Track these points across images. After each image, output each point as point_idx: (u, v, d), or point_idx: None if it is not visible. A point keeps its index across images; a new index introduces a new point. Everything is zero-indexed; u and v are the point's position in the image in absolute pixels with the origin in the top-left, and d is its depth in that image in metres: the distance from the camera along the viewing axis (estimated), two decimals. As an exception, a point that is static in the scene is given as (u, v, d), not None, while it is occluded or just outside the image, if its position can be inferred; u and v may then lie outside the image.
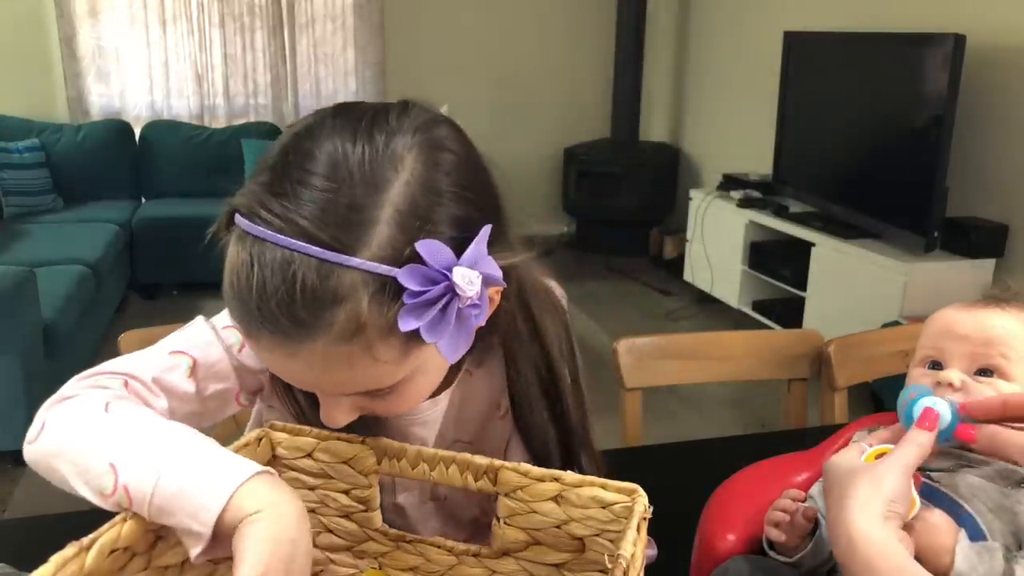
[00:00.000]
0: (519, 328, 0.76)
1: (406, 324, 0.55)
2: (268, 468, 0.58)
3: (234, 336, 0.73)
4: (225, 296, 0.58)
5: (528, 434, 0.79)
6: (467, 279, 0.56)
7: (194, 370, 0.71)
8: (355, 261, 0.54)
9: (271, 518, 0.54)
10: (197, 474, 0.56)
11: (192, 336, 0.73)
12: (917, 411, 0.66)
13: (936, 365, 0.78)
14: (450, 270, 0.55)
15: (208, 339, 0.73)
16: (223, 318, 0.74)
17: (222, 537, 0.55)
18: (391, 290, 0.55)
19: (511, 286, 0.67)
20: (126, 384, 0.68)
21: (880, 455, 0.64)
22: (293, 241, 0.54)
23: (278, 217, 0.54)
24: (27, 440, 0.65)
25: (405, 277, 0.54)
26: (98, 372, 0.69)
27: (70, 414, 0.64)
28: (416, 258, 0.55)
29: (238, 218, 0.57)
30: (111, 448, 0.59)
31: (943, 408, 0.66)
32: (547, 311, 0.78)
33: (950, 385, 0.74)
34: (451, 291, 0.55)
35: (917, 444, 0.63)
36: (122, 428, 0.62)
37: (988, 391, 0.73)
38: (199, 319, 0.75)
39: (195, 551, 0.55)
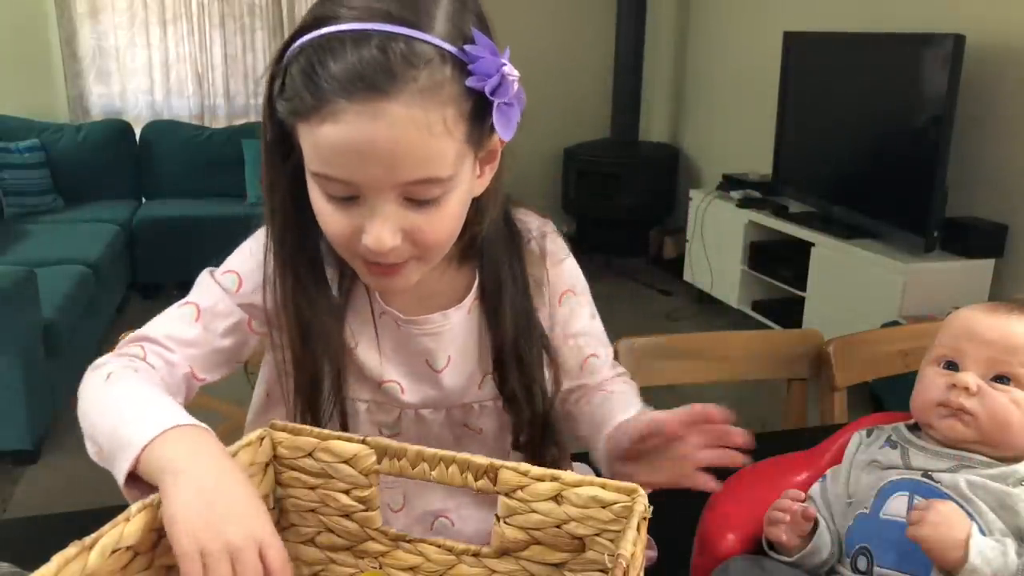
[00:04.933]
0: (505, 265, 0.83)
1: (475, 84, 0.65)
2: (198, 424, 0.63)
3: (230, 280, 0.80)
4: (297, 95, 0.65)
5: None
6: (511, 69, 0.66)
7: (199, 315, 0.78)
8: (428, 36, 0.64)
9: (185, 476, 0.58)
10: (132, 419, 0.63)
11: (196, 287, 0.81)
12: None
13: (951, 366, 0.77)
14: (497, 56, 0.66)
15: (208, 285, 0.80)
16: (224, 266, 0.82)
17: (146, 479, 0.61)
18: (457, 64, 0.65)
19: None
20: (143, 348, 0.76)
21: None
22: (374, 24, 0.63)
23: (355, 9, 0.64)
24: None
25: (471, 53, 0.65)
26: (130, 340, 0.78)
27: (88, 385, 0.74)
28: (472, 43, 0.65)
29: (306, 37, 0.65)
30: (97, 412, 0.69)
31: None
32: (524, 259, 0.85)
33: (965, 388, 0.73)
34: (503, 73, 0.66)
35: None
36: (109, 397, 0.70)
37: (1003, 398, 0.72)
38: (203, 272, 0.82)
39: (121, 486, 0.62)
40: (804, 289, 3.41)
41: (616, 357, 1.23)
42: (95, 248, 3.50)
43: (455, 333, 0.84)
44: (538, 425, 0.85)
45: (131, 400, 0.67)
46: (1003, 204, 2.94)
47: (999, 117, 2.92)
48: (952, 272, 2.94)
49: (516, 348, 0.83)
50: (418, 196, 0.68)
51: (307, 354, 0.78)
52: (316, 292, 0.78)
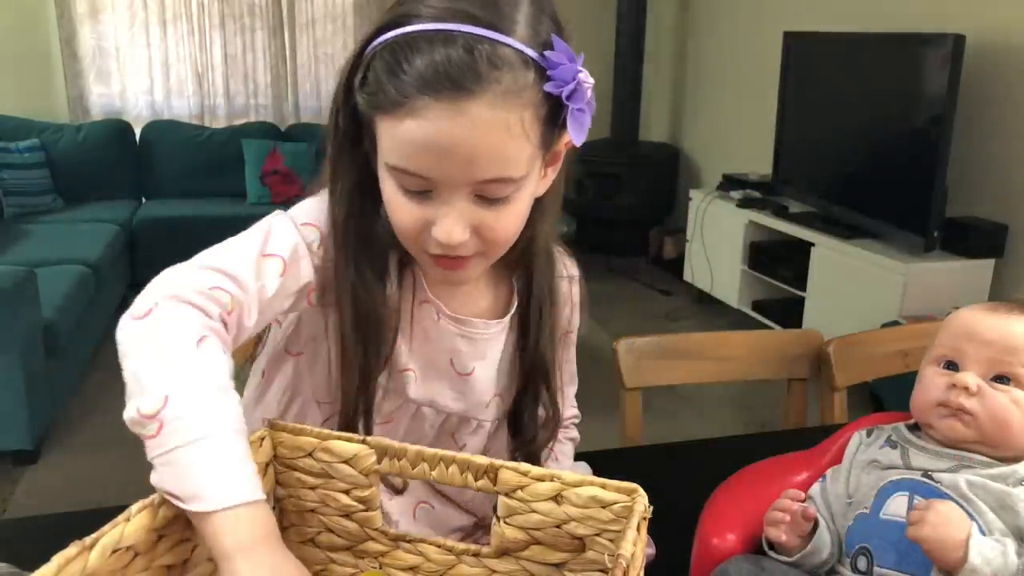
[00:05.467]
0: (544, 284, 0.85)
1: (553, 89, 0.67)
2: (261, 499, 0.59)
3: (313, 233, 0.76)
4: (380, 89, 0.66)
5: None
6: (586, 76, 0.69)
7: (284, 271, 0.74)
8: (511, 40, 0.66)
9: (242, 562, 0.56)
10: (210, 467, 0.58)
11: (279, 235, 0.75)
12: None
13: (951, 365, 0.77)
14: (575, 62, 0.68)
15: (289, 233, 0.75)
16: (301, 213, 0.77)
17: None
18: (537, 69, 0.67)
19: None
20: (231, 297, 0.69)
21: None
22: (459, 25, 0.65)
23: (438, 8, 0.65)
24: (131, 314, 0.66)
25: (551, 60, 0.67)
26: (220, 270, 0.69)
27: (167, 329, 0.64)
28: (551, 48, 0.67)
29: (390, 33, 0.66)
30: (177, 386, 0.61)
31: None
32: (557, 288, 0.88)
33: (965, 388, 0.73)
34: (579, 80, 0.68)
35: None
36: (198, 374, 0.62)
37: (1003, 398, 0.72)
38: (280, 215, 0.77)
39: (161, 491, 0.58)
40: (804, 289, 3.41)
41: (616, 357, 1.24)
42: (95, 248, 3.49)
43: (489, 345, 0.86)
44: (531, 452, 0.88)
45: (215, 427, 0.60)
46: (1003, 204, 2.94)
47: (999, 117, 2.92)
48: (952, 272, 2.94)
49: (545, 365, 0.86)
50: (490, 194, 0.70)
51: (358, 340, 0.77)
52: (374, 281, 0.78)
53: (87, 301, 3.11)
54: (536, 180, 0.74)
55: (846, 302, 3.17)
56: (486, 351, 0.86)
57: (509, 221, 0.73)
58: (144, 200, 4.47)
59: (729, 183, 4.07)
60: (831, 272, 3.26)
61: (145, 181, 4.45)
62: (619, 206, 4.78)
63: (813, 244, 3.35)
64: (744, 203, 3.85)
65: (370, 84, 0.68)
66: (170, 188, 4.42)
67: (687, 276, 4.32)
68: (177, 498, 0.57)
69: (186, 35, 4.57)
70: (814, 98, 3.59)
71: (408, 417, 0.86)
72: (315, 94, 4.92)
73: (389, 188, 0.72)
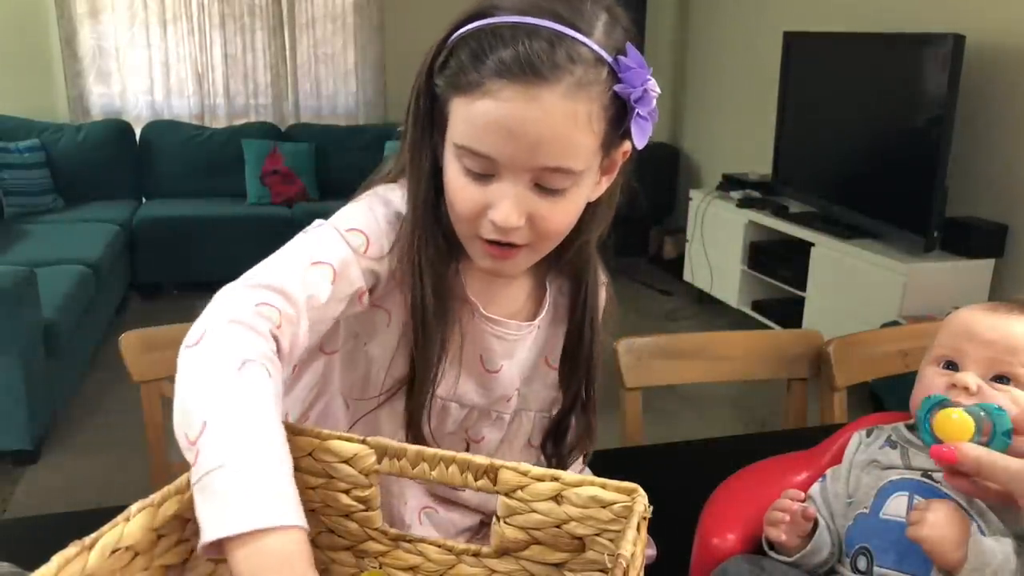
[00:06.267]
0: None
1: (622, 90, 0.70)
2: (300, 526, 0.56)
3: (358, 240, 0.77)
4: (461, 71, 0.70)
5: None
6: (654, 85, 0.72)
7: (335, 279, 0.74)
8: (590, 41, 0.69)
9: None
10: (241, 490, 0.56)
11: (326, 244, 0.76)
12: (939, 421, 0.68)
13: (951, 365, 0.77)
14: (645, 70, 0.71)
15: (335, 241, 0.76)
16: (343, 221, 0.78)
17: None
18: (610, 71, 0.70)
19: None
20: (279, 312, 0.68)
21: None
22: (544, 21, 0.68)
23: (524, 2, 0.69)
24: (186, 343, 0.65)
25: (623, 63, 0.70)
26: (269, 286, 0.69)
27: (211, 355, 0.64)
28: (624, 55, 0.71)
29: (476, 23, 0.70)
30: (217, 411, 0.60)
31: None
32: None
33: (965, 388, 0.73)
34: (647, 87, 0.71)
35: None
36: (236, 399, 0.61)
37: (1003, 399, 0.72)
38: (324, 225, 0.78)
39: (200, 545, 0.55)
40: (804, 289, 3.41)
41: (616, 357, 1.24)
42: (95, 248, 3.50)
43: (518, 344, 0.88)
44: (562, 458, 0.91)
45: (253, 446, 0.59)
46: (1003, 204, 2.94)
47: (999, 117, 2.92)
48: (952, 272, 2.94)
49: (592, 370, 0.89)
50: (549, 184, 0.72)
51: (437, 311, 0.79)
52: (446, 256, 0.80)
53: (87, 301, 3.11)
54: (592, 182, 0.77)
55: (846, 302, 3.17)
56: (515, 350, 0.88)
57: (562, 215, 0.75)
58: (144, 200, 4.47)
59: (729, 183, 4.07)
60: (831, 272, 3.26)
61: (145, 181, 4.45)
62: (619, 206, 4.78)
63: (813, 244, 3.35)
64: (744, 203, 3.85)
65: (451, 67, 0.72)
66: (170, 188, 4.42)
67: (687, 276, 4.32)
68: (204, 529, 0.54)
69: (186, 35, 4.57)
70: (814, 98, 3.59)
71: (435, 414, 0.87)
72: (315, 94, 4.92)
73: (453, 171, 0.74)
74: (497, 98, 0.68)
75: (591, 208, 0.81)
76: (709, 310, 4.13)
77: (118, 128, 4.39)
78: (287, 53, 4.78)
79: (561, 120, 0.69)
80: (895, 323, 2.79)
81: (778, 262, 3.63)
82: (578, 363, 0.88)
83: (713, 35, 4.65)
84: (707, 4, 4.70)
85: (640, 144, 0.74)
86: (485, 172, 0.72)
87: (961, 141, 2.88)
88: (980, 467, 0.64)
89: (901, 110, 3.06)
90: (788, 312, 3.53)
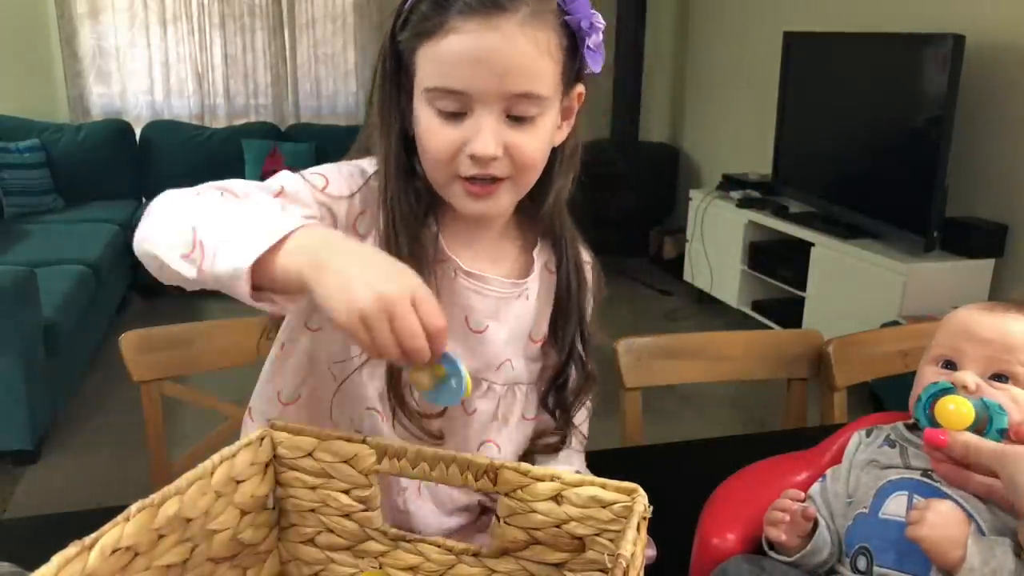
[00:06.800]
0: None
1: (571, 20, 0.76)
2: (311, 223, 0.66)
3: (317, 179, 0.82)
4: (423, 20, 0.75)
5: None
6: (599, 19, 0.79)
7: (281, 193, 0.79)
8: None
9: (329, 255, 0.62)
10: (253, 227, 0.65)
11: (276, 177, 0.82)
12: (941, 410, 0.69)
13: (950, 365, 0.77)
14: (588, 5, 0.77)
15: (290, 175, 0.81)
16: (310, 169, 0.84)
17: (264, 282, 0.63)
18: (559, 5, 0.76)
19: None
20: (221, 194, 0.75)
21: None
22: None
23: None
24: (138, 228, 0.74)
25: None
26: (209, 185, 0.77)
27: (170, 198, 0.75)
28: None
29: None
30: (196, 216, 0.69)
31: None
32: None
33: (964, 387, 0.73)
34: (592, 20, 0.78)
35: None
36: (209, 203, 0.71)
37: (1002, 397, 0.72)
38: (282, 171, 0.84)
39: (243, 289, 0.63)
40: (804, 289, 3.41)
41: (616, 357, 1.24)
42: (95, 248, 3.50)
43: (502, 304, 0.88)
44: (565, 407, 0.92)
45: (246, 205, 0.70)
46: (1003, 204, 2.94)
47: (999, 117, 2.92)
48: (952, 272, 2.94)
49: (583, 316, 0.92)
50: (519, 112, 0.76)
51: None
52: (416, 225, 0.82)
53: (87, 301, 3.11)
54: (555, 120, 0.82)
55: (846, 302, 3.17)
56: (499, 310, 0.88)
57: (535, 144, 0.79)
58: (144, 200, 4.47)
59: (729, 183, 4.07)
60: (831, 272, 3.26)
61: (145, 181, 4.45)
62: (619, 206, 4.78)
63: (813, 244, 3.35)
64: (744, 203, 3.85)
65: (413, 20, 0.77)
66: (170, 188, 4.40)
67: (687, 276, 4.32)
68: (240, 269, 0.62)
69: (186, 35, 4.57)
70: (814, 98, 3.59)
71: None
72: (315, 94, 4.92)
73: (426, 117, 0.77)
74: (461, 32, 0.73)
75: (557, 154, 0.86)
76: (709, 310, 4.13)
77: (118, 128, 4.39)
78: (287, 53, 4.78)
79: (524, 46, 0.74)
80: (895, 323, 2.79)
81: (778, 262, 3.63)
82: (569, 312, 0.90)
83: (713, 35, 4.65)
84: (707, 4, 4.70)
85: (596, 67, 0.81)
86: (458, 111, 0.76)
87: (961, 141, 2.88)
88: (967, 452, 0.66)
89: (901, 110, 3.06)
90: (788, 312, 3.53)
